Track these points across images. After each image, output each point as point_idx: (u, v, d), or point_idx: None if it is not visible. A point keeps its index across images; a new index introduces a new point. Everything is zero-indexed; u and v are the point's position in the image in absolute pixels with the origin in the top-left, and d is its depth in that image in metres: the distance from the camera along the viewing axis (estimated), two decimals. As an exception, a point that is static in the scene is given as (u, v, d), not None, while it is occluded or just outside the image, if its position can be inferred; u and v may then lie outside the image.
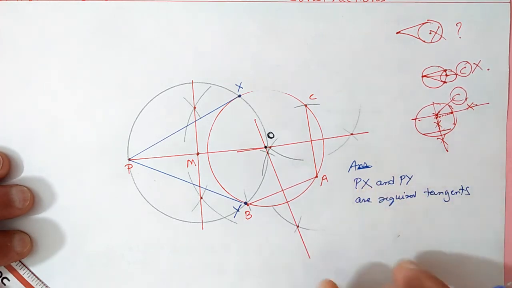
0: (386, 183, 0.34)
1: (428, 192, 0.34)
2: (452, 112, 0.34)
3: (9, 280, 0.32)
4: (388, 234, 0.34)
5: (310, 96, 0.33)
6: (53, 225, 0.32)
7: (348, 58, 0.33)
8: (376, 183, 0.34)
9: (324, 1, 0.33)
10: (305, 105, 0.33)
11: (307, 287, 0.34)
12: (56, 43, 0.32)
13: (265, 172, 0.33)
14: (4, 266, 0.32)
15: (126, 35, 0.32)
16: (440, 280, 0.29)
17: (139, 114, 0.33)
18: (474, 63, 0.34)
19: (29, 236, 0.32)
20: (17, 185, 0.31)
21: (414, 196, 0.34)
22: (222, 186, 0.33)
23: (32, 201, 0.31)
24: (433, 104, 0.34)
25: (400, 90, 0.34)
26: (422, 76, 0.34)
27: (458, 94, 0.34)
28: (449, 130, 0.34)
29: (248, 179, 0.33)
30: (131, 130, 0.32)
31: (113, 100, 0.32)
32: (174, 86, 0.33)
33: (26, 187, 0.31)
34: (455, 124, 0.34)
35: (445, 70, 0.34)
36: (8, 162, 0.31)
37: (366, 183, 0.34)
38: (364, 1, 0.33)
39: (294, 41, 0.33)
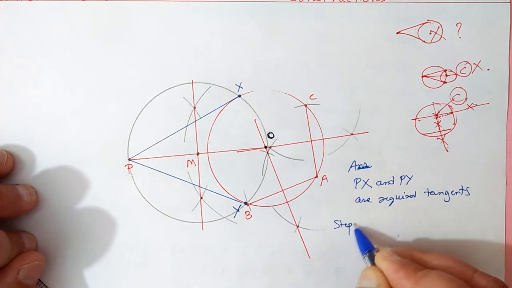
0: (386, 183, 0.34)
1: (428, 192, 0.34)
2: (452, 112, 0.34)
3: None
4: (388, 234, 0.34)
5: (310, 96, 0.33)
6: (53, 225, 0.32)
7: (348, 58, 0.33)
8: (376, 183, 0.34)
9: (324, 1, 0.33)
10: (305, 105, 0.33)
11: (307, 287, 0.34)
12: (56, 43, 0.32)
13: (265, 172, 0.33)
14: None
15: (127, 35, 0.32)
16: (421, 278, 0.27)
17: (139, 114, 0.33)
18: (474, 63, 0.34)
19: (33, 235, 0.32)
20: (19, 184, 0.31)
21: (414, 196, 0.34)
22: (222, 186, 0.33)
23: (37, 196, 0.31)
24: (433, 104, 0.34)
25: (400, 90, 0.34)
26: (422, 76, 0.34)
27: (458, 94, 0.34)
28: (449, 130, 0.34)
29: (248, 179, 0.33)
30: (131, 130, 0.32)
31: (113, 100, 0.32)
32: (174, 86, 0.33)
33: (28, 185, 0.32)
34: (455, 124, 0.34)
35: (445, 70, 0.34)
36: (12, 158, 0.31)
37: (366, 183, 0.34)
38: (364, 1, 0.33)
39: (294, 41, 0.33)
